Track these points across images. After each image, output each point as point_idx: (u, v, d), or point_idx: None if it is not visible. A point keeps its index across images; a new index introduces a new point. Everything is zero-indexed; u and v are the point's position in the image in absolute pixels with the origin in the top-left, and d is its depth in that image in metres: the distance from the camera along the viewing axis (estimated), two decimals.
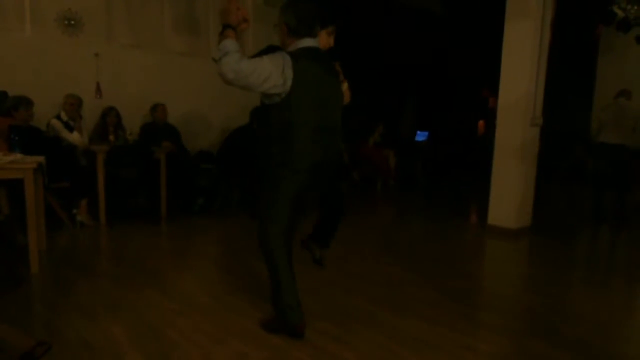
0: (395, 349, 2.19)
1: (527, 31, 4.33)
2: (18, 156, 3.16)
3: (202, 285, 3.01)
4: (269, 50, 2.13)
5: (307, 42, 2.15)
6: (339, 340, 2.26)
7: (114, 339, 2.22)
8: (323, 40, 2.40)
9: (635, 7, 5.99)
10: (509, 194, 4.57)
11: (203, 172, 5.39)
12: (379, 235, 4.68)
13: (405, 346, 2.22)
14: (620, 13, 6.14)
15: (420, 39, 8.32)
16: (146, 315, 2.50)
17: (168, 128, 5.22)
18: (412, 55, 8.48)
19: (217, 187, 5.31)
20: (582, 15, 6.67)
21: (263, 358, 2.09)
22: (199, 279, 3.17)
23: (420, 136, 8.55)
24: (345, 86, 2.45)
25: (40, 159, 3.27)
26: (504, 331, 2.46)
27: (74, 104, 4.53)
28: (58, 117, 4.47)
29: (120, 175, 4.69)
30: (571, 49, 7.27)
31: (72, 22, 4.90)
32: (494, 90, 5.23)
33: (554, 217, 5.66)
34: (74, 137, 4.48)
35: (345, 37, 7.28)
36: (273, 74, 1.95)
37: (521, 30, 4.36)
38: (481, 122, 8.34)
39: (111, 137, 4.74)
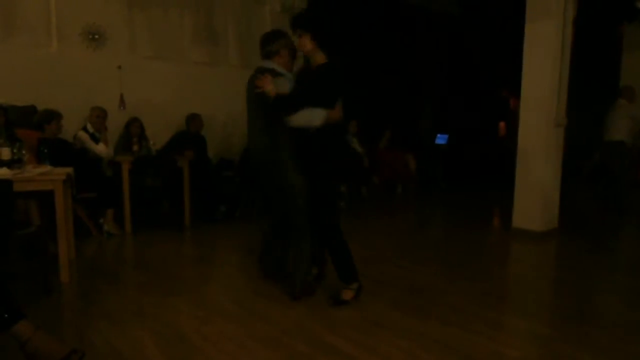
0: (421, 355, 2.17)
1: (549, 30, 4.27)
2: (48, 168, 3.25)
3: (227, 292, 3.03)
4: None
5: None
6: (365, 346, 2.25)
7: (141, 345, 2.26)
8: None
9: None
10: (534, 196, 4.49)
11: (225, 180, 5.45)
12: (402, 240, 4.64)
13: (431, 352, 2.19)
14: None
15: (438, 40, 8.28)
16: (172, 322, 2.53)
17: (197, 138, 5.31)
18: (430, 57, 8.44)
19: (239, 194, 5.37)
20: (605, 12, 6.53)
21: None
22: (223, 285, 3.21)
23: (440, 139, 8.46)
24: None
25: (69, 170, 3.36)
26: (532, 337, 2.42)
27: (99, 116, 4.64)
28: (84, 129, 4.58)
29: (145, 185, 4.79)
30: (594, 47, 7.11)
31: (96, 36, 5.03)
32: (515, 91, 5.16)
33: (582, 218, 5.53)
34: (100, 149, 4.59)
35: (362, 40, 7.29)
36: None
37: (543, 29, 4.30)
38: (502, 124, 8.22)
39: (135, 148, 4.83)
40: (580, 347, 2.26)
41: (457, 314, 2.65)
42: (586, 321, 2.59)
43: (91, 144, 4.55)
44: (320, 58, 2.59)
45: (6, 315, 1.80)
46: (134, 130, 4.92)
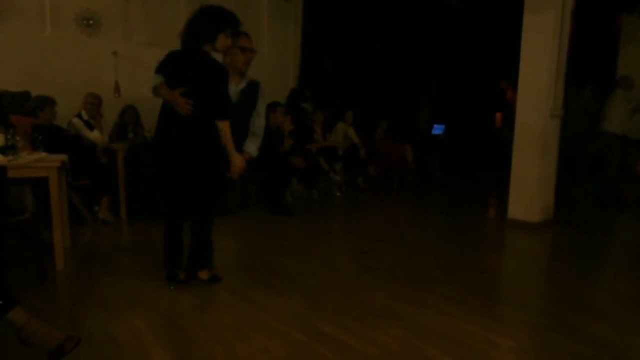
0: (417, 344, 2.18)
1: (548, 21, 4.25)
2: (43, 155, 3.22)
3: (222, 280, 3.03)
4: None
5: None
6: (362, 335, 2.26)
7: (137, 333, 2.26)
8: None
9: None
10: (530, 186, 4.50)
11: None
12: (398, 230, 4.65)
13: (427, 341, 2.20)
14: None
15: (436, 31, 8.22)
16: (168, 310, 2.53)
17: None
18: (428, 47, 8.39)
19: (234, 183, 5.34)
20: (603, 3, 6.51)
21: (286, 354, 2.10)
22: (218, 273, 3.19)
23: (437, 129, 8.45)
24: None
25: (64, 157, 3.33)
26: (527, 326, 2.43)
27: (94, 103, 4.60)
28: (79, 116, 4.54)
29: (140, 172, 4.75)
30: (592, 38, 7.09)
31: (91, 21, 4.97)
32: (512, 82, 5.15)
33: (577, 209, 5.56)
34: (95, 136, 4.55)
35: (359, 30, 7.23)
36: None
37: (541, 20, 4.28)
38: (499, 115, 8.21)
39: (130, 135, 4.80)
40: (575, 337, 2.27)
41: (452, 303, 2.66)
42: (581, 312, 2.61)
43: (86, 131, 4.51)
44: None
45: (1, 302, 1.79)
46: (129, 118, 4.88)
